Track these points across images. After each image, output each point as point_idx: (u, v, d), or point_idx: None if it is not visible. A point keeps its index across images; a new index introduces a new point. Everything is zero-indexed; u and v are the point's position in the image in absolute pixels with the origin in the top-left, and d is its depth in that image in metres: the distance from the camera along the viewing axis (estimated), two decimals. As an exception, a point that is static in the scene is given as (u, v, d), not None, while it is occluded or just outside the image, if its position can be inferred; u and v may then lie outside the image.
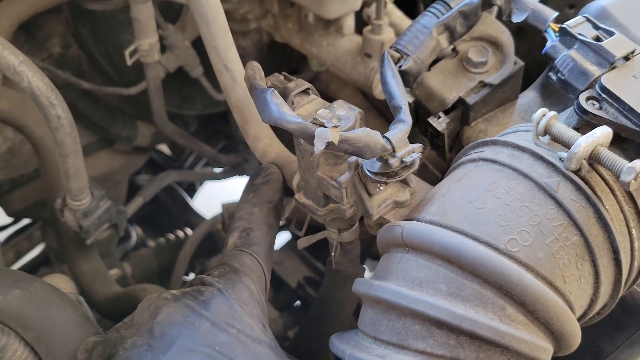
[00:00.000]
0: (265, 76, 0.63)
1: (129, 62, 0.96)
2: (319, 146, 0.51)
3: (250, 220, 0.72)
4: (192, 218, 1.62)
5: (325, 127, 0.52)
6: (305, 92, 0.63)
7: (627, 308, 0.64)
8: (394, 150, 0.56)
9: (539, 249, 0.53)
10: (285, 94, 0.63)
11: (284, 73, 0.66)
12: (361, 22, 1.01)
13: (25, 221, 1.41)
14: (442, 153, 0.72)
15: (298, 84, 0.64)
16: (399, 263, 0.56)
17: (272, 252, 0.73)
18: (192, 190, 1.73)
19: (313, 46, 0.99)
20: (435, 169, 0.95)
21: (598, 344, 0.68)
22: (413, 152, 0.57)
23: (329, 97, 1.32)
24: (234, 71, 0.71)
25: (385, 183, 0.59)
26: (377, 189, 0.60)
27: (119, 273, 1.35)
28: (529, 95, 0.72)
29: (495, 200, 0.55)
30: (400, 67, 0.66)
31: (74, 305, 0.67)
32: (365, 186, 0.60)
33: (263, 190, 0.75)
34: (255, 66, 0.64)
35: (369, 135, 0.54)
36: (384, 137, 0.56)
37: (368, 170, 0.58)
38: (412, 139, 0.94)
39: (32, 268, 1.39)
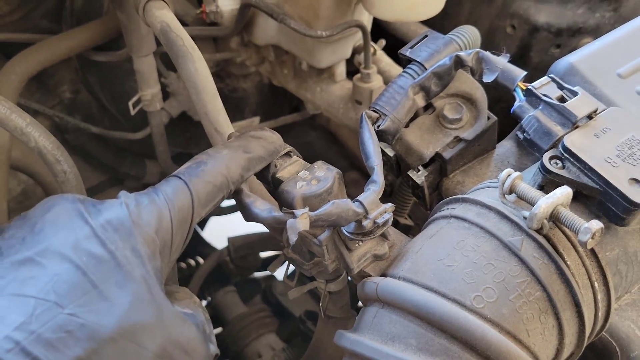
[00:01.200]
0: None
1: (133, 112, 1.01)
2: (292, 238, 0.55)
3: (212, 156, 0.62)
4: (202, 248, 1.67)
5: (295, 216, 0.56)
6: (288, 154, 0.68)
7: (599, 353, 0.67)
8: (366, 213, 0.60)
9: (503, 304, 0.56)
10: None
11: None
12: (354, 66, 1.05)
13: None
14: (423, 202, 0.76)
15: None
16: (374, 317, 0.60)
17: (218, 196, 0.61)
18: (202, 220, 1.78)
19: (308, 92, 1.04)
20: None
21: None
22: (385, 213, 0.61)
23: (330, 133, 1.37)
24: (224, 133, 0.76)
25: (362, 241, 0.63)
26: (357, 245, 0.64)
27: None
28: (506, 145, 0.75)
29: (463, 258, 0.58)
30: (378, 126, 0.70)
31: None
32: (344, 242, 0.64)
33: (250, 140, 0.64)
34: None
35: (339, 207, 0.58)
36: (356, 201, 0.60)
37: (345, 231, 0.62)
38: (400, 189, 0.97)
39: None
